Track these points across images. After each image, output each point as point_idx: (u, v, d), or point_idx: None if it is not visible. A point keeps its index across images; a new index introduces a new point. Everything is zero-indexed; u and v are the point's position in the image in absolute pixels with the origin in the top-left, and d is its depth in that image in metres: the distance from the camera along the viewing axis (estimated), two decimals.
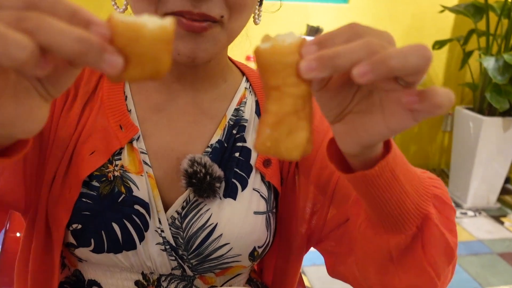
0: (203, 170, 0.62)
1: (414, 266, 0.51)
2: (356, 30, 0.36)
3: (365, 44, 0.34)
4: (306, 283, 2.10)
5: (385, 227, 0.50)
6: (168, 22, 0.32)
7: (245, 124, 0.68)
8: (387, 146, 0.45)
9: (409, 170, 0.48)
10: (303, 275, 2.12)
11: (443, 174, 3.41)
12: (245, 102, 0.69)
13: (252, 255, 0.65)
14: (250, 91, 0.71)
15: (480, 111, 2.83)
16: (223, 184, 0.64)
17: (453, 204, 0.54)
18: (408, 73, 0.34)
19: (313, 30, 2.82)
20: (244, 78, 0.71)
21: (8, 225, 0.92)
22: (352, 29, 0.36)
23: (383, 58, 0.33)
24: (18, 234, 0.90)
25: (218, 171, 0.63)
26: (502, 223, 2.75)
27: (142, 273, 0.65)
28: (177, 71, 0.63)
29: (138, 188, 0.61)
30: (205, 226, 0.62)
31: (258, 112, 0.70)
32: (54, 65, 0.32)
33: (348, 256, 0.62)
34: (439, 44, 2.93)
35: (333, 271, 0.67)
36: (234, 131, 0.67)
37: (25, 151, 0.39)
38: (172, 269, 0.64)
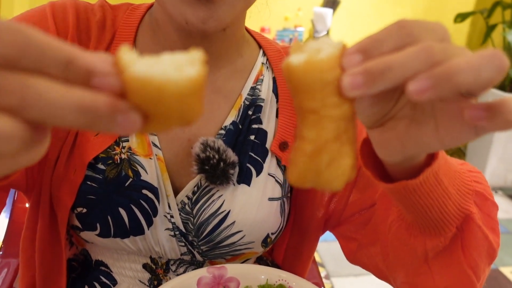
0: (217, 156, 0.57)
1: (452, 268, 0.48)
2: (408, 31, 0.29)
3: (423, 52, 0.27)
4: (317, 259, 2.10)
5: (422, 229, 0.46)
6: (197, 70, 0.25)
7: (262, 104, 0.63)
8: None
9: (450, 168, 0.43)
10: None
11: (460, 152, 3.34)
12: (262, 80, 0.64)
13: (265, 242, 0.63)
14: (267, 67, 0.66)
15: (502, 88, 2.75)
16: (237, 169, 0.60)
17: (495, 200, 0.50)
18: (478, 88, 0.27)
19: (330, 2, 2.74)
20: (261, 52, 0.66)
21: (16, 196, 0.91)
22: (403, 30, 0.29)
23: (448, 72, 0.26)
24: (27, 205, 0.90)
25: (232, 156, 0.59)
26: None
27: (150, 257, 0.63)
28: (188, 43, 0.58)
29: (146, 172, 0.58)
30: (217, 213, 0.59)
31: (275, 91, 0.65)
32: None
33: (371, 246, 0.59)
34: (461, 17, 2.82)
35: (353, 259, 0.64)
36: (250, 112, 0.62)
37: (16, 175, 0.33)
38: (182, 254, 0.62)
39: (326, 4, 2.75)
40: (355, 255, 0.63)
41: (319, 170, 0.30)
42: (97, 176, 0.57)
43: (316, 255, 2.14)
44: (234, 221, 0.59)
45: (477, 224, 0.46)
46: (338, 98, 0.29)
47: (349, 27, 2.91)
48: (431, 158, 0.39)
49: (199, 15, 0.49)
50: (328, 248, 2.13)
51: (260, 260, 0.73)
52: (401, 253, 0.50)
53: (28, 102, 0.22)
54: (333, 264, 2.04)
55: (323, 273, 1.99)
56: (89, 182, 0.57)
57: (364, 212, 0.61)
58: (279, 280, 0.55)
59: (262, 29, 2.75)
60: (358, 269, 0.64)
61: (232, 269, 0.56)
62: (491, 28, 2.79)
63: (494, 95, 2.72)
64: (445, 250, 0.47)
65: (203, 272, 0.55)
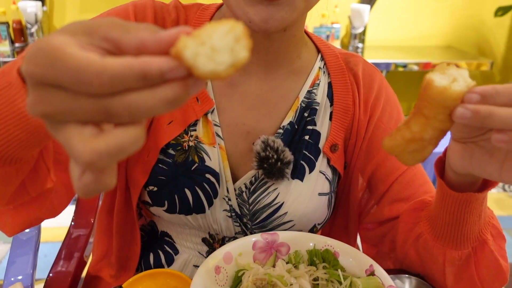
0: (275, 156, 0.64)
1: (464, 279, 0.58)
2: None
3: None
4: None
5: (445, 242, 0.57)
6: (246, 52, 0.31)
7: (317, 107, 0.69)
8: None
9: (485, 197, 0.54)
10: None
11: None
12: (318, 84, 0.69)
13: (312, 231, 0.70)
14: (324, 71, 0.70)
15: None
16: (291, 166, 0.66)
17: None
18: None
19: None
20: (319, 56, 0.71)
21: None
22: None
23: None
24: None
25: (289, 156, 0.65)
26: None
27: (209, 233, 0.71)
28: (251, 40, 0.64)
29: (210, 159, 0.65)
30: (272, 204, 0.66)
31: (330, 95, 0.69)
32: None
33: (387, 254, 0.70)
34: (502, 11, 2.77)
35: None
36: (306, 114, 0.68)
37: None
38: (236, 233, 0.69)
39: (363, 1, 2.76)
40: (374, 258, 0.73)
41: (405, 151, 0.43)
42: (168, 160, 0.65)
43: None
44: (287, 212, 0.66)
45: (490, 249, 0.56)
46: (447, 116, 0.40)
47: (387, 23, 2.91)
48: (485, 184, 0.51)
49: (261, 15, 0.52)
50: None
51: None
52: (425, 259, 0.61)
53: (134, 115, 0.26)
54: None
55: None
56: (160, 165, 0.65)
57: (384, 224, 0.70)
58: (325, 246, 0.61)
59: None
60: None
61: (283, 236, 0.63)
62: None
63: None
64: (461, 265, 0.58)
65: (258, 237, 0.62)
